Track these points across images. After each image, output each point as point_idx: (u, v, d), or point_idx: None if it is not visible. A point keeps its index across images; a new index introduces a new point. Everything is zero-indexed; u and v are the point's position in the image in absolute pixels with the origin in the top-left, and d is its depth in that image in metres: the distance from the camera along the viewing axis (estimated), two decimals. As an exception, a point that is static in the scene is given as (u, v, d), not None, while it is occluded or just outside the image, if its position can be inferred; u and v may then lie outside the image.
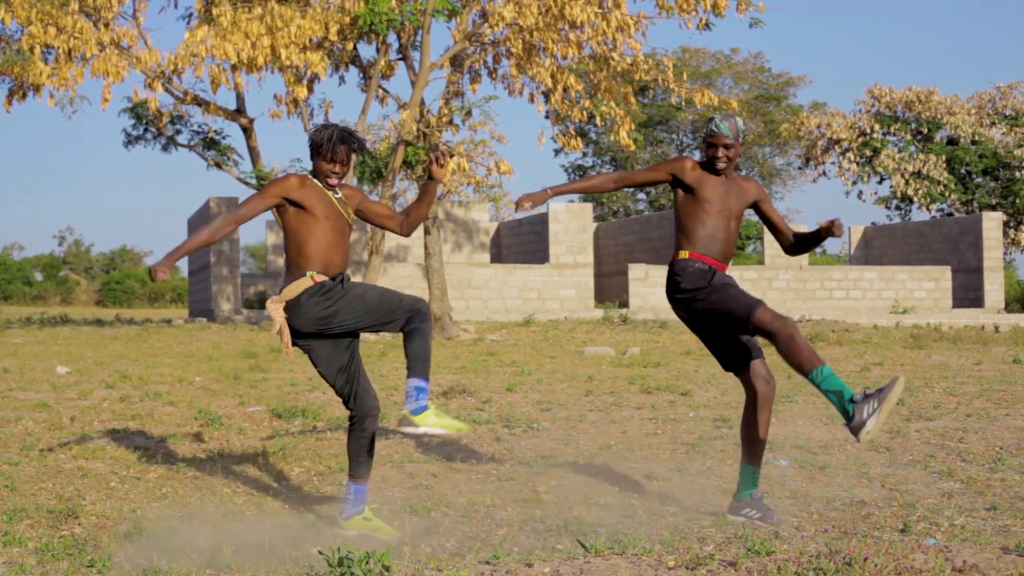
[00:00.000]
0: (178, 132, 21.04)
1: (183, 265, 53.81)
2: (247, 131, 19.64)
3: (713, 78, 40.51)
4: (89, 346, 14.84)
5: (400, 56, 18.63)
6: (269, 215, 24.98)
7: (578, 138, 19.26)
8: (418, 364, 4.90)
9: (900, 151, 34.67)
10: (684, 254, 5.23)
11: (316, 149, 5.00)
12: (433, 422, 4.90)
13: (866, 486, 6.00)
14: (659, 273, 24.44)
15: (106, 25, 17.16)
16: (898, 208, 36.21)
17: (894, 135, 35.28)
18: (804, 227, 29.43)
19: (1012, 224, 33.85)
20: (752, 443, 5.33)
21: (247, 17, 16.58)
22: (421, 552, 4.58)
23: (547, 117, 18.92)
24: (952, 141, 34.68)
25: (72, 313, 30.15)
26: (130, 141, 21.26)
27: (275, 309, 4.96)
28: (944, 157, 33.97)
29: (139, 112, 20.55)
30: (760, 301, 5.09)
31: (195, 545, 4.67)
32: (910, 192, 33.83)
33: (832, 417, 8.30)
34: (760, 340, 5.30)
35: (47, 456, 6.53)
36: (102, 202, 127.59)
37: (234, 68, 17.03)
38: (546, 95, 18.44)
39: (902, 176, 33.94)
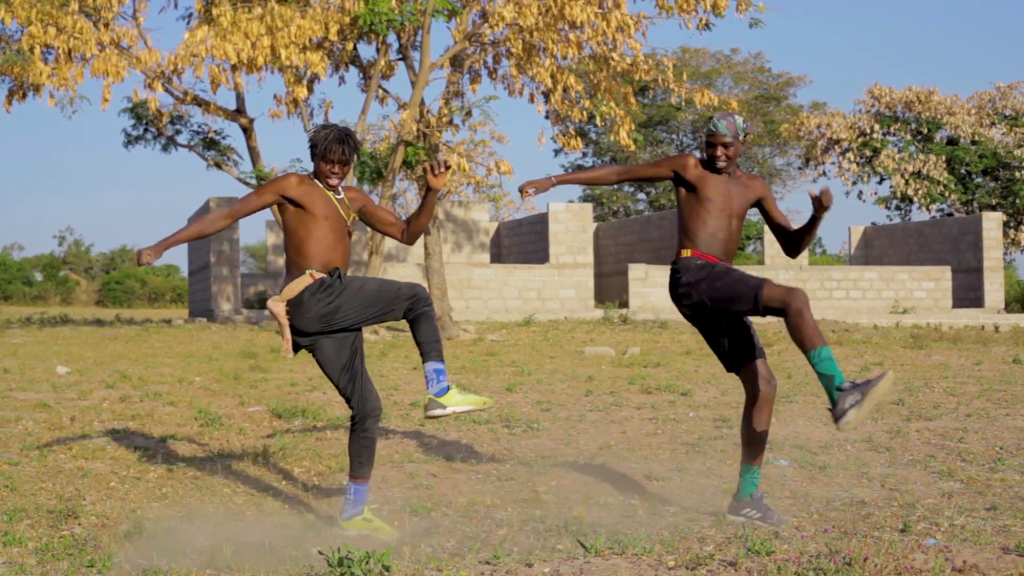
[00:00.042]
0: (178, 132, 21.03)
1: (183, 265, 53.76)
2: (247, 131, 19.64)
3: (713, 78, 40.50)
4: (89, 346, 14.84)
5: (400, 56, 18.63)
6: (269, 215, 25.01)
7: (578, 138, 19.25)
8: (431, 347, 4.95)
9: (900, 151, 34.66)
10: (686, 252, 5.24)
11: (315, 150, 5.02)
12: (459, 400, 4.94)
13: (866, 486, 6.00)
14: (659, 273, 24.44)
15: (106, 25, 17.16)
16: (898, 208, 36.21)
17: (894, 135, 35.27)
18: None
19: (1012, 224, 33.85)
20: (752, 443, 5.33)
21: (247, 17, 16.57)
22: (421, 552, 4.58)
23: (547, 117, 18.92)
24: (952, 141, 34.67)
25: (72, 313, 30.15)
26: (130, 141, 21.26)
27: (278, 309, 4.97)
28: (944, 157, 33.96)
29: (139, 112, 20.55)
30: (766, 279, 5.08)
31: (195, 545, 4.67)
32: (910, 192, 33.83)
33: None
34: (761, 341, 5.30)
35: (47, 456, 6.53)
36: (102, 202, 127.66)
37: (234, 68, 17.02)
38: (546, 95, 18.43)
39: (902, 176, 33.94)
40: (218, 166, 20.76)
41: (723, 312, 5.24)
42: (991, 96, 35.53)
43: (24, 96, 17.64)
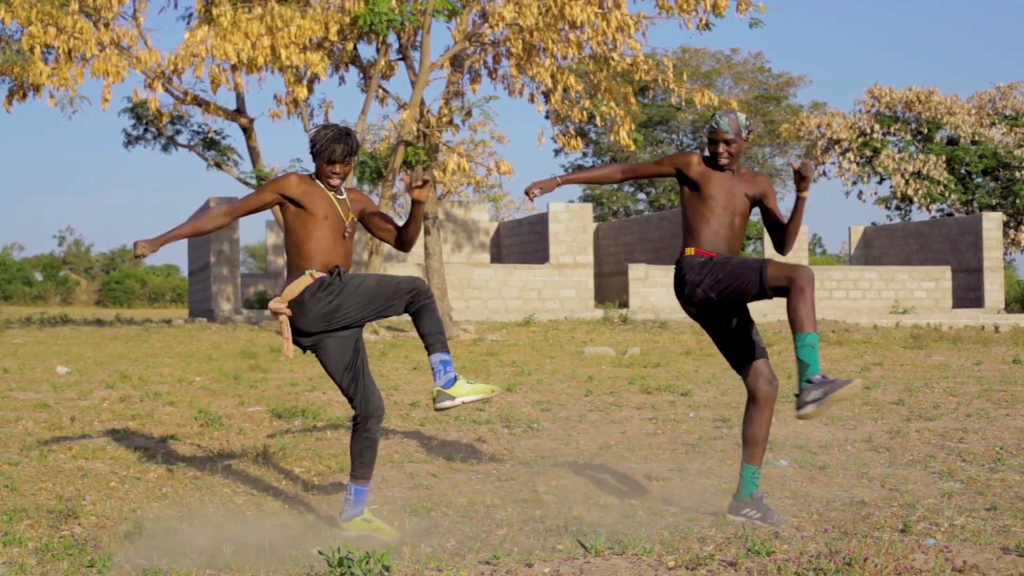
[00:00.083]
0: (178, 132, 21.03)
1: (183, 265, 53.73)
2: (247, 131, 19.64)
3: (713, 78, 40.50)
4: (89, 346, 14.84)
5: (400, 56, 18.63)
6: (270, 215, 24.99)
7: (578, 138, 19.24)
8: (435, 339, 4.94)
9: (900, 151, 34.66)
10: (690, 251, 5.26)
11: (316, 150, 5.02)
12: (467, 390, 4.93)
13: (866, 486, 6.00)
14: (659, 273, 24.44)
15: (106, 25, 17.15)
16: (898, 208, 36.21)
17: (894, 135, 35.27)
18: (805, 227, 29.42)
19: (1012, 224, 33.85)
20: (753, 443, 5.33)
21: (247, 17, 16.57)
22: (421, 552, 4.58)
23: (547, 117, 18.92)
24: (952, 141, 34.67)
25: (72, 313, 30.15)
26: (130, 141, 21.26)
27: (279, 309, 4.97)
28: (944, 157, 33.96)
29: (139, 112, 20.54)
30: (769, 260, 5.09)
31: (195, 545, 4.67)
32: (910, 192, 33.83)
33: (832, 417, 8.31)
34: (763, 340, 5.30)
35: (47, 456, 6.53)
36: (102, 202, 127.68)
37: (234, 68, 17.02)
38: (546, 95, 18.43)
39: (902, 176, 33.93)
40: (218, 166, 20.76)
41: (730, 305, 5.24)
42: (991, 96, 35.53)
43: (24, 96, 17.64)
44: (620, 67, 17.95)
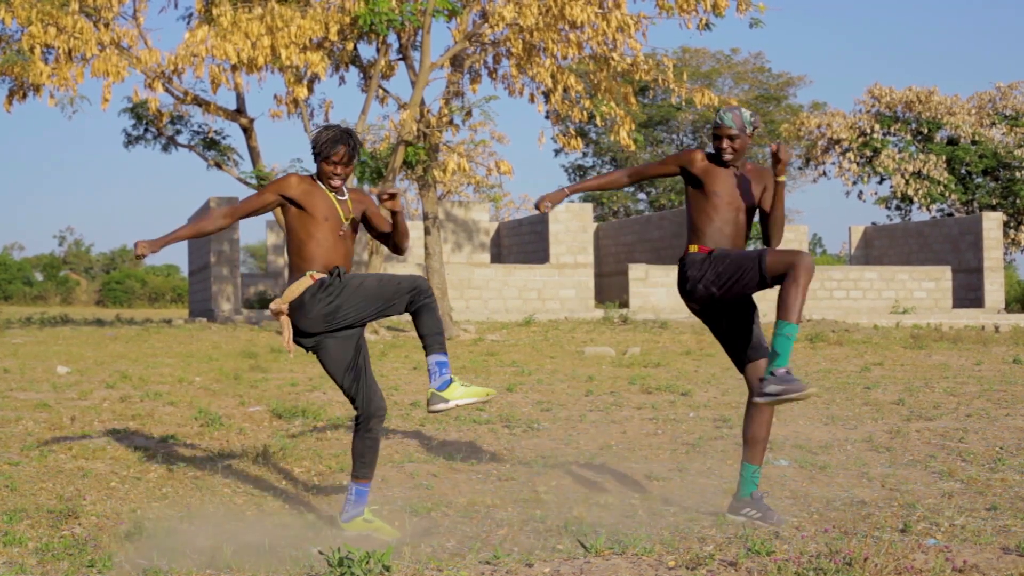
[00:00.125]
0: (178, 132, 21.03)
1: (183, 265, 53.77)
2: (247, 131, 19.63)
3: (713, 78, 40.49)
4: (89, 346, 14.84)
5: (400, 56, 18.63)
6: (270, 215, 24.99)
7: (578, 138, 19.25)
8: (434, 340, 4.94)
9: (900, 151, 34.66)
10: (693, 248, 5.26)
11: (317, 151, 5.02)
12: (462, 393, 4.93)
13: (866, 486, 6.00)
14: (659, 273, 24.43)
15: (106, 25, 17.15)
16: (898, 208, 36.20)
17: (894, 135, 35.27)
18: (805, 227, 29.41)
19: (1012, 224, 33.85)
20: (753, 442, 5.32)
21: (247, 17, 16.57)
22: (421, 552, 4.58)
23: (547, 117, 18.91)
24: (952, 141, 34.67)
25: (72, 313, 30.14)
26: (130, 141, 21.25)
27: (280, 310, 4.98)
28: (944, 157, 33.96)
29: (139, 112, 20.54)
30: (767, 248, 5.10)
31: (195, 545, 4.67)
32: (910, 192, 33.82)
33: (832, 417, 8.31)
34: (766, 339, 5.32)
35: (47, 456, 6.53)
36: (102, 202, 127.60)
37: (234, 68, 17.02)
38: (546, 95, 18.43)
39: (902, 176, 33.93)
40: (218, 166, 20.75)
41: (732, 303, 5.24)
42: (991, 96, 35.52)
43: (24, 96, 17.64)
44: (620, 67, 17.95)
